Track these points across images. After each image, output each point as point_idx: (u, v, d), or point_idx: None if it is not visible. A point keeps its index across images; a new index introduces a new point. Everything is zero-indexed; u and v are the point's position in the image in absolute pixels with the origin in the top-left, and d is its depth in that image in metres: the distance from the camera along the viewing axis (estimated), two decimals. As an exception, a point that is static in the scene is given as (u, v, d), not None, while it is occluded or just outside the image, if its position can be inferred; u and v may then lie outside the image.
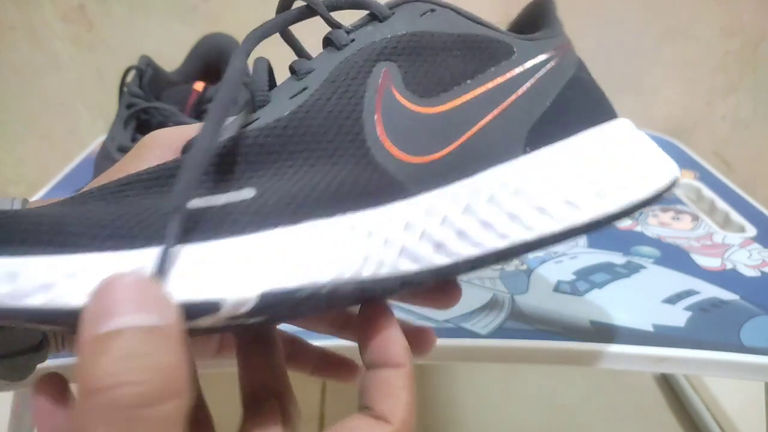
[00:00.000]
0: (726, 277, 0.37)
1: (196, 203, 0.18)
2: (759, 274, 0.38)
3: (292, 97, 0.21)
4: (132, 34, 0.68)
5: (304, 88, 0.21)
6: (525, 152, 0.23)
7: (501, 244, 0.21)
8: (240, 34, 0.52)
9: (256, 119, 0.21)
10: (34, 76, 0.71)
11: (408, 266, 0.19)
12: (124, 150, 0.40)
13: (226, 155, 0.20)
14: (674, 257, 0.39)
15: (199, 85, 0.44)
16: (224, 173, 0.19)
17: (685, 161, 0.56)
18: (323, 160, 0.20)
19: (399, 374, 0.19)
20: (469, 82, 0.23)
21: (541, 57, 0.25)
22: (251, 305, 0.16)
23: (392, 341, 0.20)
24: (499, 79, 0.23)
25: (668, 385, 0.59)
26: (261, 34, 0.22)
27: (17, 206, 0.23)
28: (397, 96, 0.21)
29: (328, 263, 0.18)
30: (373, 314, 0.20)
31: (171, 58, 0.49)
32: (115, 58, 0.69)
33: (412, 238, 0.20)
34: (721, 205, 0.46)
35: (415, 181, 0.20)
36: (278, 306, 0.17)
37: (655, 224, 0.44)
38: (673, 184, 0.24)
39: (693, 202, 0.48)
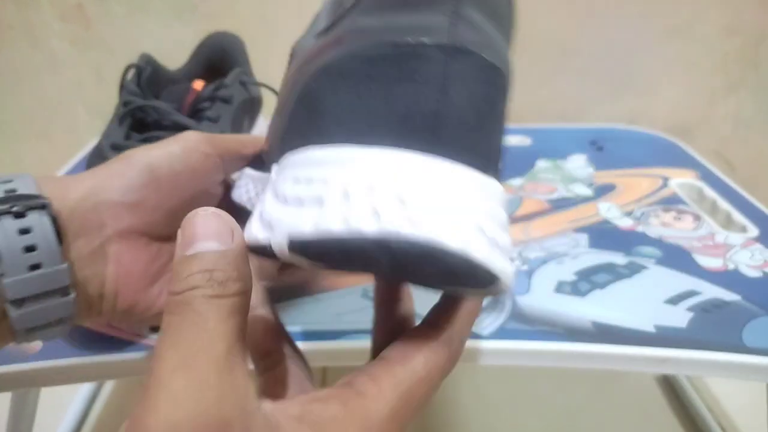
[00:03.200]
0: (728, 278, 0.37)
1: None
2: (761, 274, 0.38)
3: None
4: (130, 33, 0.68)
5: None
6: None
7: None
8: (239, 33, 0.52)
9: None
10: (32, 75, 0.71)
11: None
12: (117, 148, 0.40)
13: None
14: (676, 257, 0.39)
15: (198, 84, 0.44)
16: None
17: (686, 161, 0.56)
18: None
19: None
20: None
21: None
22: (286, 248, 0.17)
23: None
24: None
25: (670, 386, 0.59)
26: None
27: None
28: None
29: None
30: None
31: (170, 57, 0.49)
32: (113, 57, 0.69)
33: None
34: (723, 205, 0.46)
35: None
36: (308, 250, 0.17)
37: (657, 224, 0.44)
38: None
39: (695, 202, 0.48)
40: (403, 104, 0.17)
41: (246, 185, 0.28)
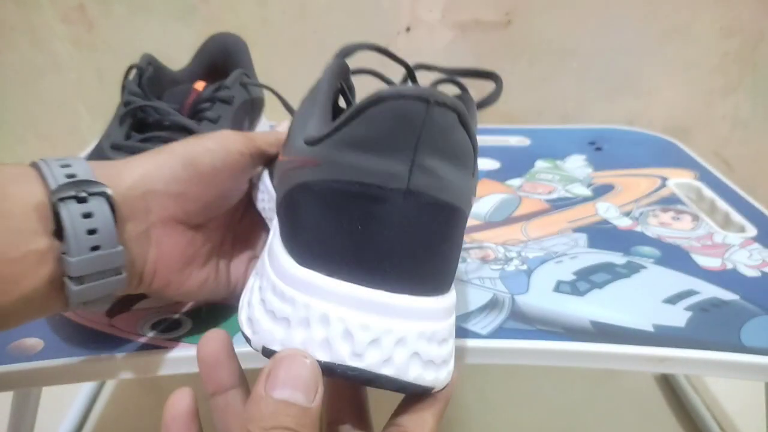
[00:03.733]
0: (726, 277, 0.37)
1: None
2: (759, 274, 0.38)
3: None
4: (132, 34, 0.68)
5: None
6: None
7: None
8: (240, 34, 0.52)
9: None
10: (34, 76, 0.71)
11: None
12: (117, 148, 0.40)
13: None
14: (674, 257, 0.39)
15: (199, 85, 0.44)
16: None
17: (685, 161, 0.56)
18: None
19: (429, 398, 0.22)
20: None
21: None
22: (260, 352, 0.21)
23: None
24: None
25: (668, 385, 0.59)
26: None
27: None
28: None
29: None
30: None
31: (171, 58, 0.49)
32: (115, 58, 0.69)
33: None
34: (722, 205, 0.46)
35: None
36: None
37: (656, 224, 0.44)
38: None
39: (693, 202, 0.48)
40: (363, 239, 0.20)
41: (263, 193, 0.30)
